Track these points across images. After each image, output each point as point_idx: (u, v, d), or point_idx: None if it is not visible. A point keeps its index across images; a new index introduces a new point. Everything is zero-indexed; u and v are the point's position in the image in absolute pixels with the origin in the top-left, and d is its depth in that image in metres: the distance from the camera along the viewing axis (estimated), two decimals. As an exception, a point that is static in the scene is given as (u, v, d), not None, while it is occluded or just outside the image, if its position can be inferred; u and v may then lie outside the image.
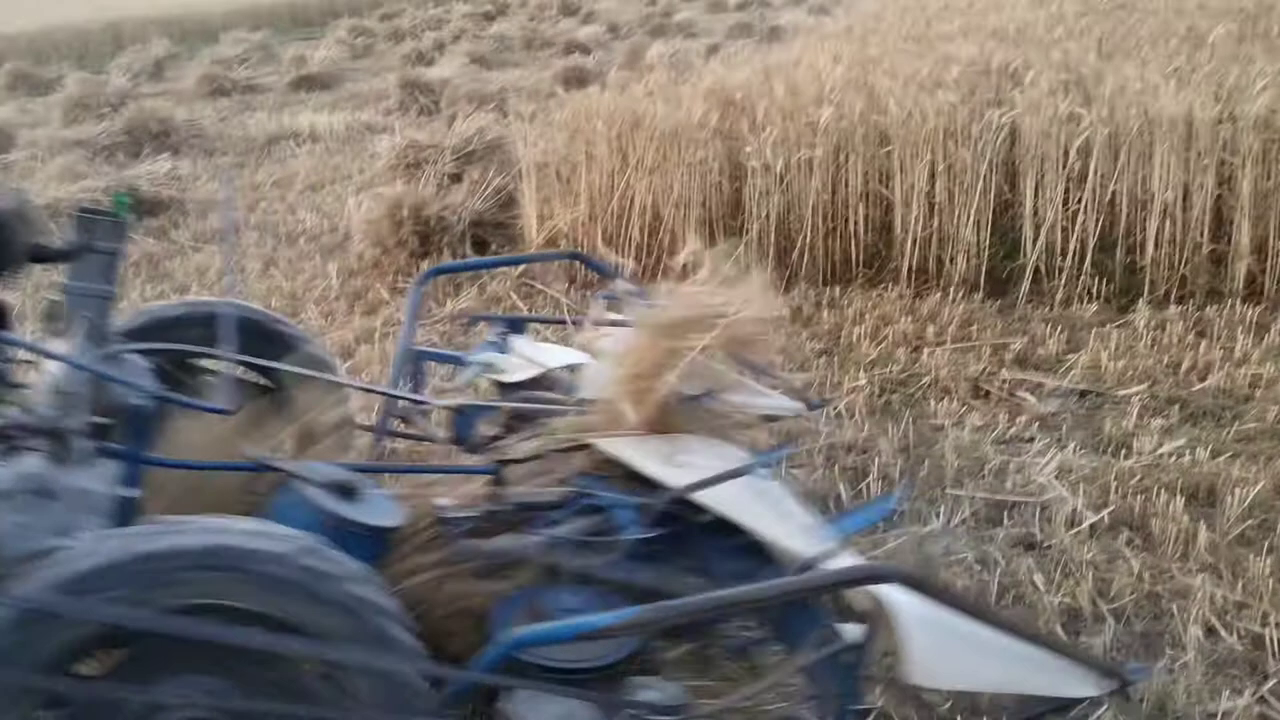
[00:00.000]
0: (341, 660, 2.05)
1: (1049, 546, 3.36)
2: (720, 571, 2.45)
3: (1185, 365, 4.58)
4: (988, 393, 4.45)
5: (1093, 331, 4.93)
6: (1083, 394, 4.42)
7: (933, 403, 4.36)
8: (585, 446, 2.78)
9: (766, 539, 2.45)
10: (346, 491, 2.41)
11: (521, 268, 5.97)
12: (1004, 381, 4.52)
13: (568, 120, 6.24)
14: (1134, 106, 5.31)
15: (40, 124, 10.80)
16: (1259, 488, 3.54)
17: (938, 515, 3.55)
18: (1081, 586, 3.12)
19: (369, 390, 3.65)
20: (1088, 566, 3.21)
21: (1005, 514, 3.56)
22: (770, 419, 3.20)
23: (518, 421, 3.04)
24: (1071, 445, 3.97)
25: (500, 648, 2.12)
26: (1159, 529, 3.38)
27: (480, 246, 6.44)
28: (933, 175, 5.47)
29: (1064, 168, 5.35)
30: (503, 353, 3.42)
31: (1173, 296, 5.21)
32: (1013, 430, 4.14)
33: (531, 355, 3.36)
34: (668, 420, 2.78)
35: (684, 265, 3.31)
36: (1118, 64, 6.36)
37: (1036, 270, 5.40)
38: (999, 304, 5.33)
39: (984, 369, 4.62)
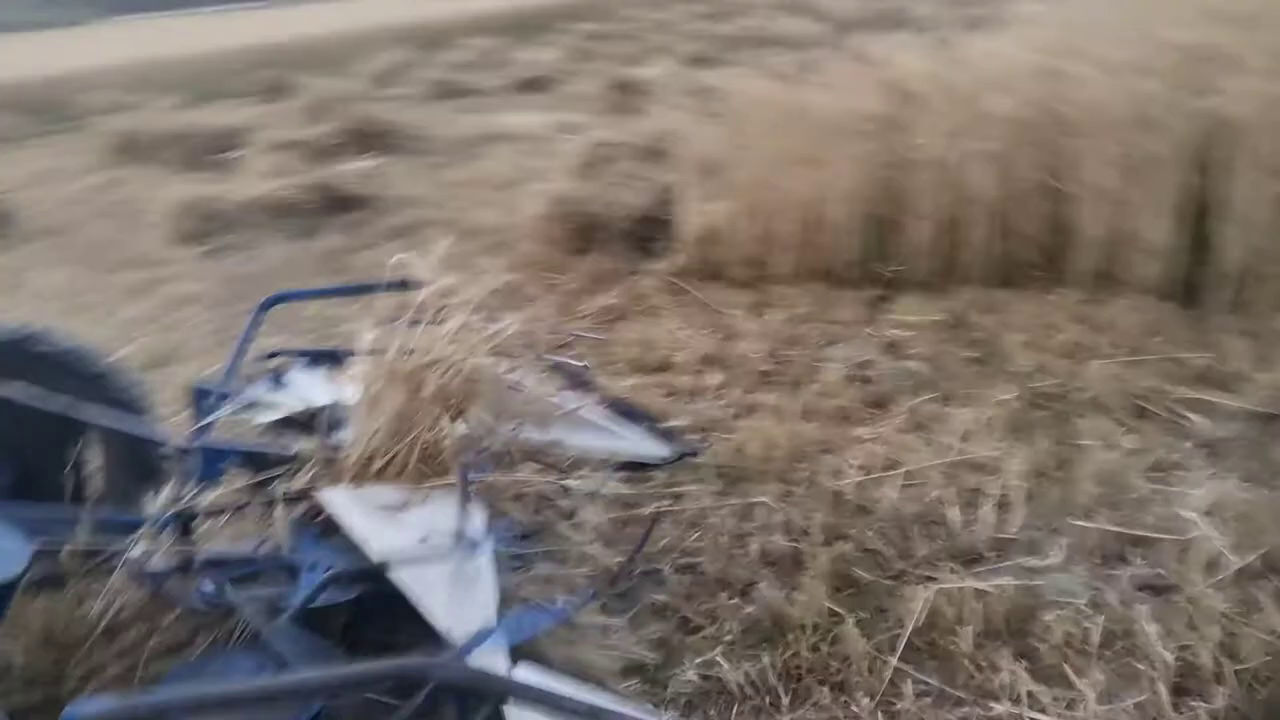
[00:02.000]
0: None
1: (1178, 592, 2.90)
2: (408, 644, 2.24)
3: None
4: (1151, 412, 3.93)
5: (1290, 348, 4.32)
6: (1267, 418, 3.85)
7: (1085, 420, 3.89)
8: (307, 494, 2.63)
9: (432, 621, 2.21)
10: None
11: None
12: (1173, 400, 4.00)
13: (729, 113, 6.02)
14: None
15: (273, 126, 11.41)
16: None
17: (1058, 548, 3.14)
18: (1205, 641, 2.66)
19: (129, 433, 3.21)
20: (1218, 619, 2.74)
21: (1136, 552, 3.11)
22: (631, 466, 2.99)
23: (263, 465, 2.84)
24: (1235, 477, 3.45)
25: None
26: (1315, 579, 2.87)
27: (640, 245, 6.30)
28: (1119, 169, 4.93)
29: (1273, 163, 4.71)
30: (280, 387, 3.18)
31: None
32: (1173, 456, 3.64)
33: (303, 392, 3.10)
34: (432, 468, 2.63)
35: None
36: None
37: (1235, 277, 4.77)
38: (1190, 314, 4.74)
39: (1153, 385, 4.11)
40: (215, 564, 2.48)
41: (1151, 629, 2.72)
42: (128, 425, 3.12)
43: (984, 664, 2.70)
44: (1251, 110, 4.79)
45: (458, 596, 2.30)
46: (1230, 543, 3.04)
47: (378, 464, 2.68)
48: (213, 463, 2.90)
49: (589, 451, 2.92)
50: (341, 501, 2.58)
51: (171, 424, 3.46)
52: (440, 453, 2.67)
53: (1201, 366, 4.25)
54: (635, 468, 3.18)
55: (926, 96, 5.39)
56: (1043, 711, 2.52)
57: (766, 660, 2.78)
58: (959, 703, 2.61)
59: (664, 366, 4.78)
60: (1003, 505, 3.37)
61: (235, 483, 2.84)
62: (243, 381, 3.23)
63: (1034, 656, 2.71)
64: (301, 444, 2.86)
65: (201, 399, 3.21)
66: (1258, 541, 3.03)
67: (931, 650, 2.78)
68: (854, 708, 2.62)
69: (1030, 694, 2.57)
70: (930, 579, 3.02)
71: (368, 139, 10.54)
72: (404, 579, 2.31)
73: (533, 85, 14.69)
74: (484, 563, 2.38)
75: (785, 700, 2.67)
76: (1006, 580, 2.97)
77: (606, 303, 5.65)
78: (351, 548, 2.45)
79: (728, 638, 2.89)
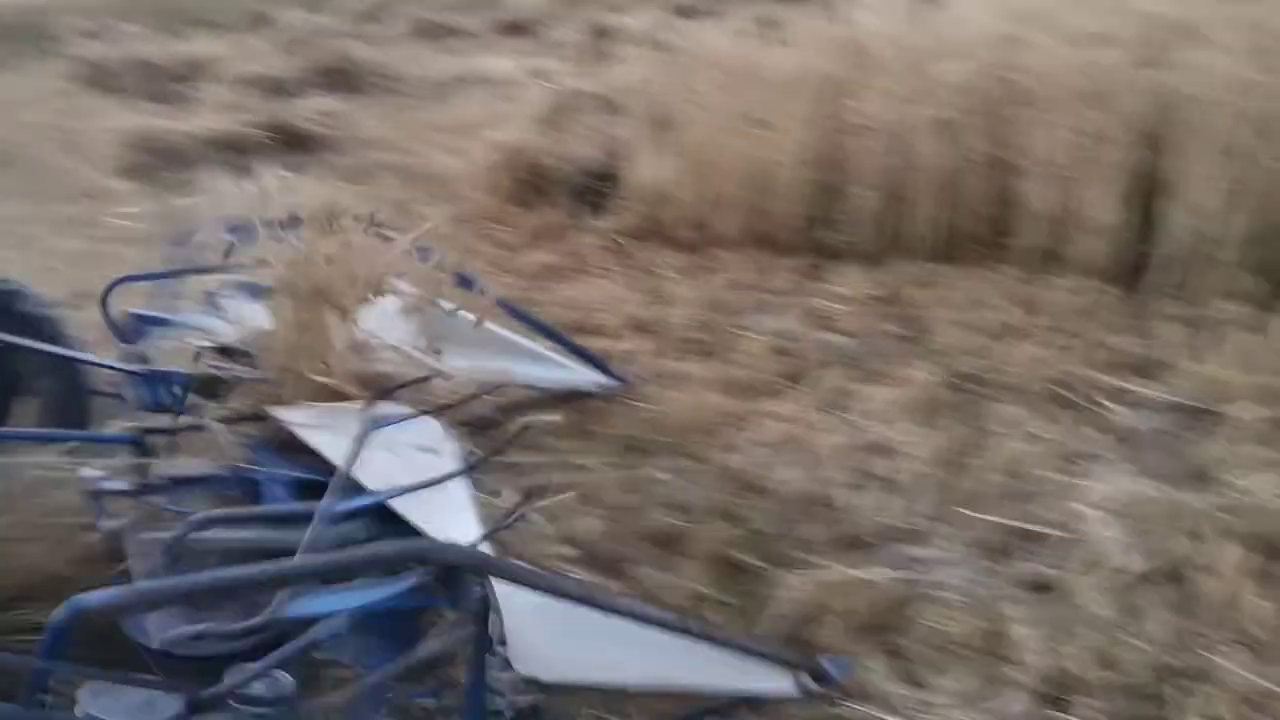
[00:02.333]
0: None
1: (1061, 594, 2.78)
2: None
3: (1329, 388, 3.80)
4: (1071, 400, 3.80)
5: (1227, 337, 4.17)
6: (1193, 413, 3.72)
7: (1002, 406, 3.76)
8: (257, 414, 2.70)
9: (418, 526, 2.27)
10: None
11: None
12: (1097, 388, 3.87)
13: (683, 69, 5.83)
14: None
15: (244, 59, 11.17)
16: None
17: (947, 540, 3.02)
18: (1080, 649, 2.55)
19: (69, 357, 3.22)
20: (1098, 625, 2.63)
21: (1027, 548, 2.99)
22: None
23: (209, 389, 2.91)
24: (1146, 475, 3.32)
25: (57, 623, 1.77)
26: (1207, 588, 2.74)
27: (590, 200, 6.13)
28: (1069, 144, 4.76)
29: (1228, 143, 4.55)
30: (219, 313, 3.20)
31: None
32: (1086, 449, 3.51)
33: (246, 316, 3.13)
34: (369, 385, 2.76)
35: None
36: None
37: (1181, 261, 4.62)
38: (1131, 298, 4.60)
39: (1079, 372, 3.97)
40: (176, 481, 2.52)
41: (1025, 632, 2.60)
42: (70, 354, 3.14)
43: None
44: (1207, 87, 4.62)
45: (439, 506, 2.38)
46: (1125, 545, 2.92)
47: (307, 383, 2.80)
48: (155, 389, 2.98)
49: (527, 379, 3.04)
50: (297, 418, 2.65)
51: (110, 354, 3.36)
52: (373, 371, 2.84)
53: (1133, 353, 4.13)
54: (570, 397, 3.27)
55: (881, 59, 5.21)
56: (893, 713, 2.41)
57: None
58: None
59: (590, 329, 4.63)
60: (899, 491, 3.25)
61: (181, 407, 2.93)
62: (182, 308, 3.33)
63: (899, 653, 2.60)
64: (242, 367, 2.92)
65: (137, 327, 3.29)
66: (1154, 546, 2.91)
67: (796, 641, 2.67)
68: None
69: (883, 694, 2.46)
70: (810, 565, 2.91)
71: (338, 77, 10.31)
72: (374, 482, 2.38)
73: (515, 29, 14.38)
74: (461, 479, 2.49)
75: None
76: (887, 570, 2.85)
77: (545, 259, 5.50)
78: (315, 462, 2.49)
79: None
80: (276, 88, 9.48)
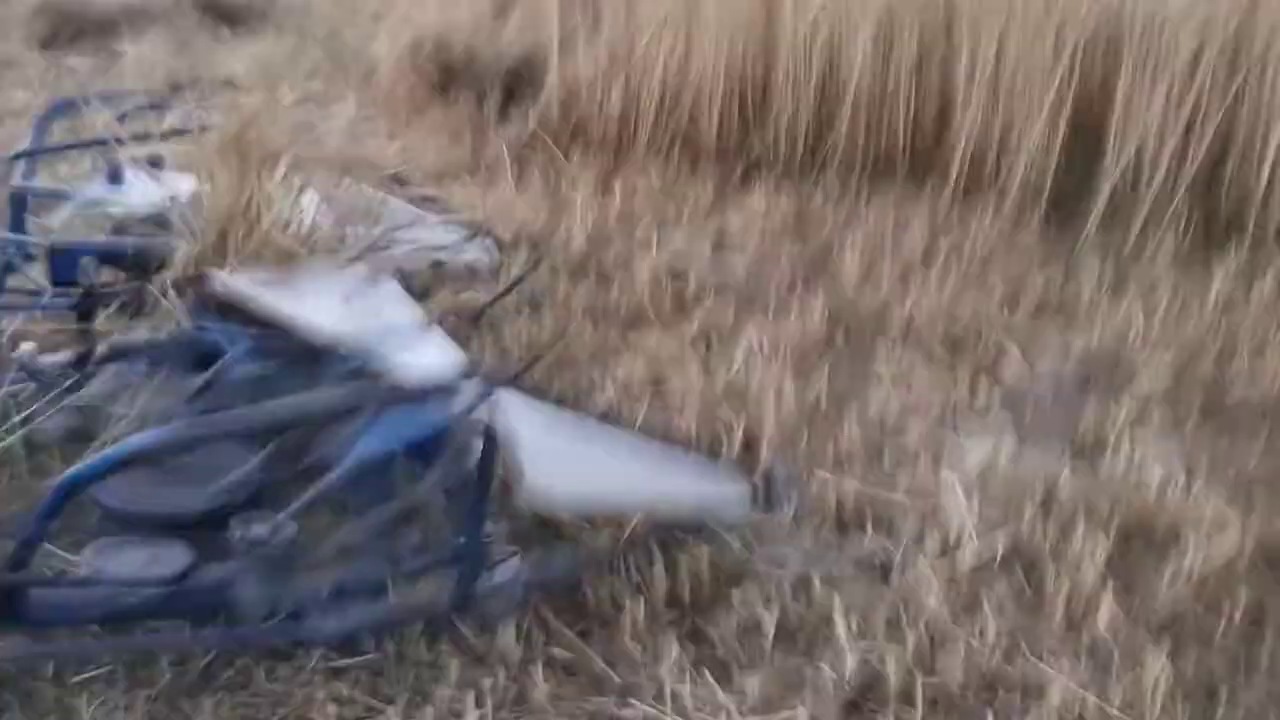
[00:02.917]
0: None
1: (898, 577, 2.50)
2: None
3: (1252, 345, 3.48)
4: (967, 345, 3.49)
5: (1158, 282, 3.84)
6: (1102, 364, 3.40)
7: (889, 351, 3.45)
8: (196, 281, 2.64)
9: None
10: None
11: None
12: (1001, 330, 3.55)
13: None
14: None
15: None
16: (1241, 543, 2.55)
17: (788, 506, 2.73)
18: (903, 645, 2.27)
19: None
20: (931, 618, 2.35)
21: (878, 518, 2.71)
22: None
23: (127, 261, 2.85)
24: (1027, 436, 3.03)
25: (53, 493, 1.88)
26: (1061, 585, 2.45)
27: (511, 96, 5.72)
28: (1007, 60, 4.36)
29: (1175, 66, 4.14)
30: (117, 184, 3.13)
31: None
32: (970, 402, 3.21)
33: (150, 187, 3.08)
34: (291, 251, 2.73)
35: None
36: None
37: (1118, 194, 4.26)
38: (1058, 231, 4.25)
39: (984, 312, 3.65)
40: (122, 351, 2.50)
41: (844, 622, 2.32)
42: None
43: (649, 647, 2.32)
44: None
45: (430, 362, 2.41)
46: (984, 525, 2.63)
47: (238, 248, 2.74)
48: (67, 263, 2.86)
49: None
50: (239, 284, 2.61)
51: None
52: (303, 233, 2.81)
53: (1049, 296, 3.80)
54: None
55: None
56: (683, 715, 2.15)
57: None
58: (600, 690, 2.22)
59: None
60: (754, 447, 2.95)
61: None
62: (75, 182, 3.32)
63: (707, 642, 2.33)
64: (161, 237, 2.86)
65: (20, 203, 3.21)
66: (1015, 528, 2.61)
67: (602, 620, 2.39)
68: (486, 681, 2.24)
69: (677, 691, 2.19)
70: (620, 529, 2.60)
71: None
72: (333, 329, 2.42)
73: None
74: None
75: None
76: (705, 544, 2.56)
77: (449, 158, 5.13)
78: (264, 327, 2.50)
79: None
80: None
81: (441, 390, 2.13)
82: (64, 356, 2.49)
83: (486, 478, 2.15)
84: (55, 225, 3.15)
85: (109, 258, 2.92)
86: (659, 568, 2.41)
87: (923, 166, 4.61)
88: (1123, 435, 2.99)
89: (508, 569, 2.26)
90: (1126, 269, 3.95)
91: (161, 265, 2.74)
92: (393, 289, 2.83)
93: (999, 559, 2.53)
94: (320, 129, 5.21)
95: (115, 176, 3.18)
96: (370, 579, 2.13)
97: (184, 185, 3.03)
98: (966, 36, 4.42)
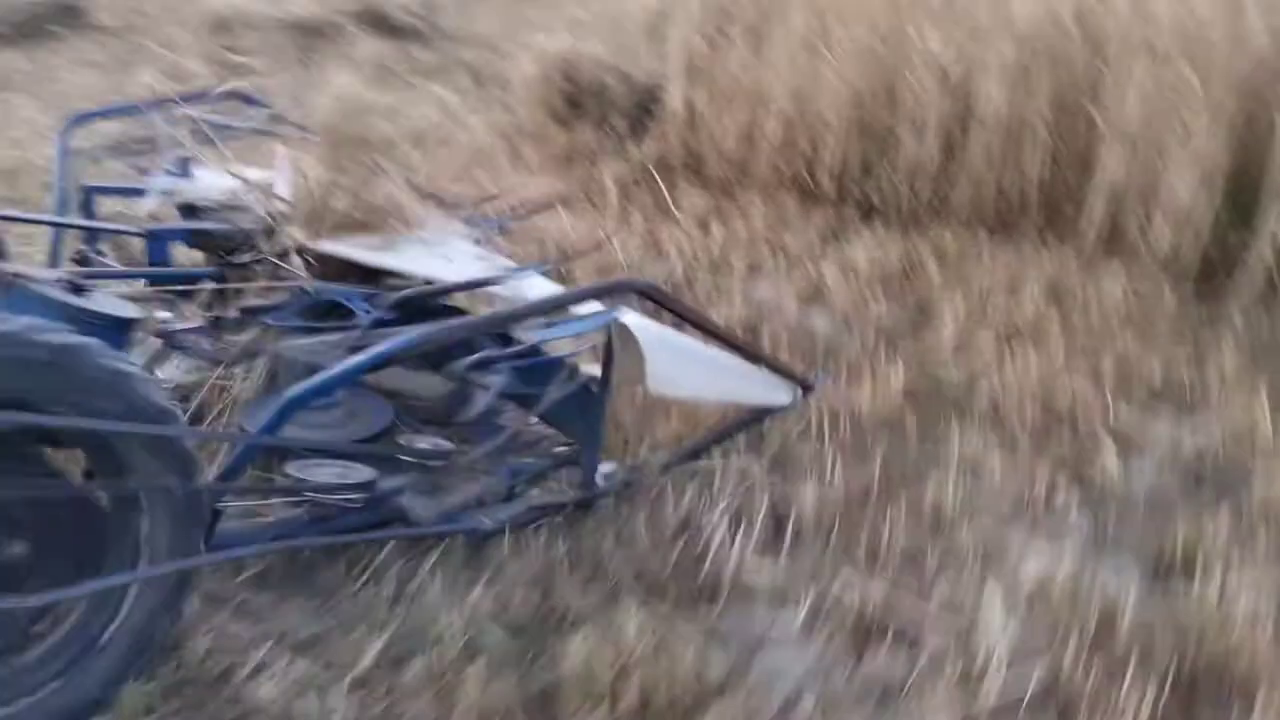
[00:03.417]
0: (113, 431, 1.91)
1: (904, 706, 2.16)
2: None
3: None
4: (1054, 433, 3.09)
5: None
6: (1214, 471, 2.96)
7: (969, 427, 3.08)
8: (303, 250, 2.79)
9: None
10: (76, 289, 2.30)
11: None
12: (1098, 417, 3.14)
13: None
14: None
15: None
16: None
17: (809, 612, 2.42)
18: None
19: (63, 225, 3.28)
20: None
21: (899, 635, 2.37)
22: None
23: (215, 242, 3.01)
24: (1102, 548, 2.63)
25: (279, 407, 2.12)
26: None
27: (631, 124, 5.53)
28: (1154, 105, 3.90)
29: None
30: (184, 178, 3.26)
31: None
32: (1052, 501, 2.82)
33: (216, 178, 3.23)
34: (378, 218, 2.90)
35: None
36: None
37: (1272, 267, 3.74)
38: (1196, 304, 3.77)
39: (1085, 395, 3.24)
40: (252, 311, 2.69)
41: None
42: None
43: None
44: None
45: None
46: (1019, 654, 2.26)
47: (335, 217, 2.89)
48: (160, 247, 3.08)
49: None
50: (347, 247, 2.82)
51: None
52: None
53: (1172, 380, 3.35)
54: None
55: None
56: None
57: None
58: None
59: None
60: (787, 536, 2.65)
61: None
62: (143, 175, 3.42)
63: None
64: (250, 217, 3.00)
65: (88, 196, 3.38)
66: (1056, 662, 2.23)
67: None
68: None
69: None
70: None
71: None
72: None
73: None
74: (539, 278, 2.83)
75: None
76: (717, 637, 2.28)
77: (559, 186, 4.98)
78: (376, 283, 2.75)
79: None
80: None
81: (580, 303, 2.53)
82: (198, 322, 2.67)
83: (607, 384, 2.59)
84: (141, 213, 3.33)
85: (198, 240, 3.12)
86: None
87: (1053, 220, 4.18)
88: (1215, 557, 2.56)
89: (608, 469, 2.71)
90: (1270, 356, 3.44)
91: (246, 246, 2.94)
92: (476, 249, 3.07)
93: (1028, 697, 2.17)
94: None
95: (184, 169, 3.37)
96: (510, 481, 2.59)
97: (254, 175, 3.27)
98: (1109, 76, 3.97)
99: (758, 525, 2.66)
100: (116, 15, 8.71)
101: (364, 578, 2.38)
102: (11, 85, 6.92)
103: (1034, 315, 3.67)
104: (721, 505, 2.69)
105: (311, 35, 7.51)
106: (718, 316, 3.66)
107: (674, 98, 5.14)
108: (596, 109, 5.62)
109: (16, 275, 2.31)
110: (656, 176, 4.96)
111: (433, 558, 2.42)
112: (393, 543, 2.43)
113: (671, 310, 2.68)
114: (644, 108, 5.52)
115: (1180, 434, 3.08)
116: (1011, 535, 2.68)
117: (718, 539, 2.59)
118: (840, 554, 2.60)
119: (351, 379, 2.31)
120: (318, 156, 3.04)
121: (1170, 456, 2.99)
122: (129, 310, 2.34)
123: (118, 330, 2.25)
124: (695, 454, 2.86)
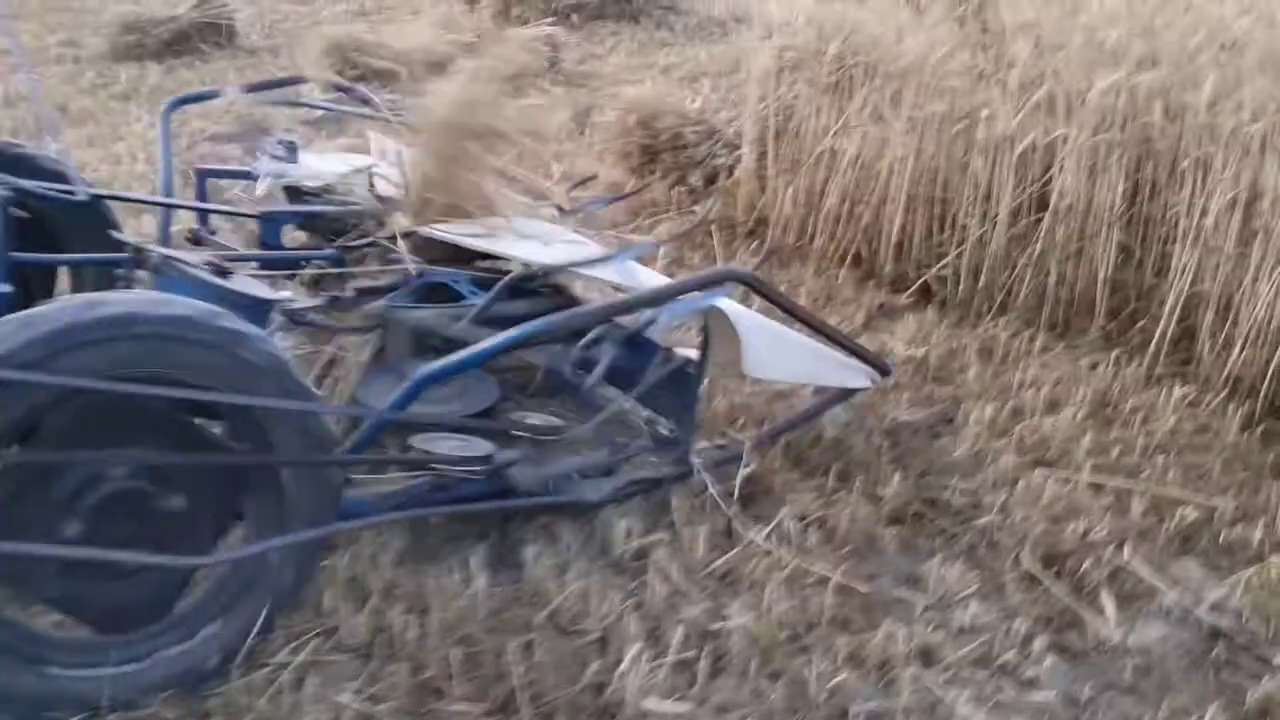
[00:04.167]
0: (261, 408, 2.06)
1: None
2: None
3: None
4: (1048, 580, 2.68)
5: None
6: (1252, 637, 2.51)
7: (942, 566, 2.70)
8: (410, 235, 2.95)
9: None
10: (221, 271, 2.48)
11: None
12: (1098, 567, 2.71)
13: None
14: None
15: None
16: None
17: None
18: None
19: (180, 207, 3.51)
20: None
21: None
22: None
23: (324, 225, 3.21)
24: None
25: (410, 386, 2.31)
26: None
27: (703, 182, 5.27)
28: (1233, 204, 3.43)
29: None
30: (291, 163, 3.44)
31: None
32: (1020, 668, 2.43)
33: (320, 162, 3.44)
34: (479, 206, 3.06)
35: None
36: None
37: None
38: (1264, 440, 3.27)
39: (1101, 534, 2.81)
40: (367, 292, 2.85)
41: None
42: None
43: None
44: None
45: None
46: None
47: (439, 205, 3.05)
48: (273, 229, 3.28)
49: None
50: (455, 234, 2.97)
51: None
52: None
53: (1214, 519, 2.89)
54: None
55: (1019, 54, 3.98)
56: None
57: None
58: None
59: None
60: (709, 674, 2.34)
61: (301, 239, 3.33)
62: (251, 159, 3.63)
63: None
64: (357, 201, 3.22)
65: (201, 181, 3.58)
66: None
67: None
68: None
69: None
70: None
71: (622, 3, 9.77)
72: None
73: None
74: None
75: None
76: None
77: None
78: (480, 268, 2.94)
79: None
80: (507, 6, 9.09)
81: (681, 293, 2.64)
82: (318, 301, 2.79)
83: (703, 367, 2.77)
84: (254, 197, 3.56)
85: (307, 223, 3.30)
86: None
87: (1120, 323, 3.73)
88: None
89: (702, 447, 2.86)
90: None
91: (354, 229, 3.11)
92: (574, 234, 3.23)
93: None
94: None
95: (291, 153, 3.53)
96: (610, 457, 2.73)
97: (360, 161, 3.45)
98: (1196, 161, 3.52)
99: (672, 649, 2.37)
100: (267, 38, 9.01)
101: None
102: (137, 96, 7.18)
103: (1071, 429, 3.24)
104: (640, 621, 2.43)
105: (430, 66, 7.53)
106: (724, 396, 3.41)
107: (747, 156, 4.87)
108: (672, 162, 5.40)
109: (167, 258, 2.54)
110: (713, 235, 4.70)
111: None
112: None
113: (768, 298, 2.86)
114: (715, 167, 5.27)
115: (1202, 596, 2.63)
116: (958, 701, 2.31)
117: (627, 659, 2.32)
118: (754, 697, 2.28)
119: (486, 360, 2.46)
120: (423, 145, 3.18)
121: (1179, 623, 2.55)
122: (268, 292, 2.57)
123: (258, 309, 2.44)
124: (782, 433, 3.04)
